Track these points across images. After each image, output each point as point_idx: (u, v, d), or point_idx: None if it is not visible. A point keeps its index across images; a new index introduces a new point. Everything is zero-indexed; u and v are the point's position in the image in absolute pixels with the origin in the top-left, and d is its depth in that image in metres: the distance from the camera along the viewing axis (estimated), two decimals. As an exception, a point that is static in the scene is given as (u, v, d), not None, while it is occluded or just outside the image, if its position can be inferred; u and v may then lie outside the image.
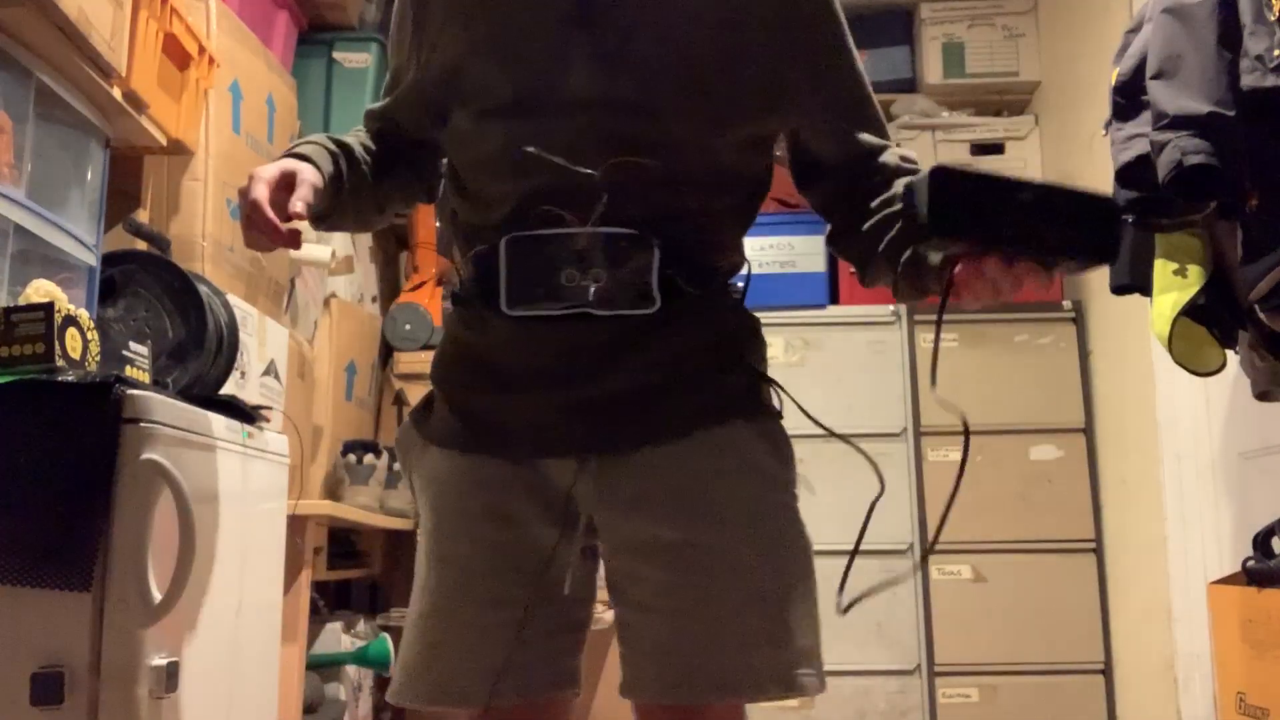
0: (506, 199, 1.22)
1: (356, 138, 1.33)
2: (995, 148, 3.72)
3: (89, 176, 1.85)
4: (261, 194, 1.12)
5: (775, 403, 1.37)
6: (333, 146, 1.26)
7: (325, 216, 1.27)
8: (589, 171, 1.15)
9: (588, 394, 1.20)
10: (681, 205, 1.21)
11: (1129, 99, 1.86)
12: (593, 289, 1.17)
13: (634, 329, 1.19)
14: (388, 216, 1.41)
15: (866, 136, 1.27)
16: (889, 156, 1.26)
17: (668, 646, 1.19)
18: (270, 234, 1.12)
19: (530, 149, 1.16)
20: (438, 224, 3.55)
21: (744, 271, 1.34)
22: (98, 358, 1.51)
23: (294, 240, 1.14)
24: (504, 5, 1.23)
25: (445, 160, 1.35)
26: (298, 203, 1.13)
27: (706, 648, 1.18)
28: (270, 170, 1.15)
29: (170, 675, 1.44)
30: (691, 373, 1.24)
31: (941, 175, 1.00)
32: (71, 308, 1.49)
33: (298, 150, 1.22)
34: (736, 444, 1.30)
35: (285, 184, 1.15)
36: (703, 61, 1.20)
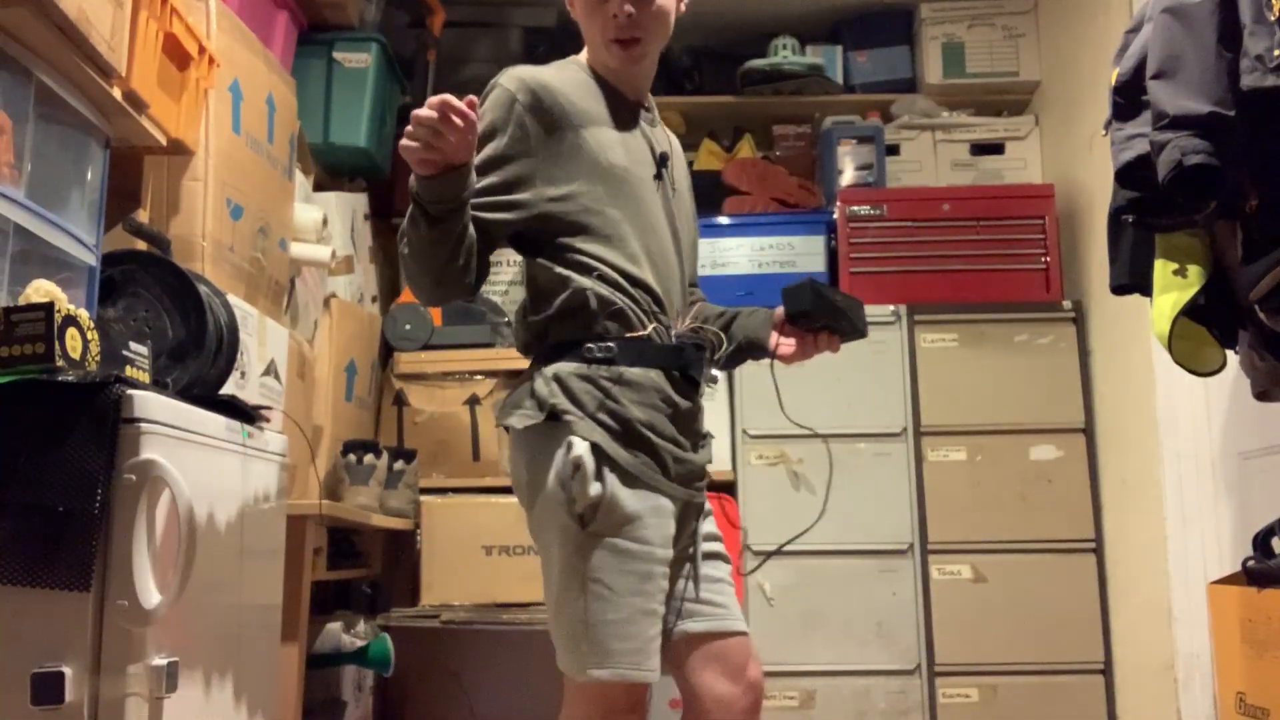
0: None
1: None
2: (995, 148, 3.72)
3: (89, 176, 1.85)
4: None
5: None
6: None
7: (457, 205, 1.51)
8: None
9: None
10: None
11: (1129, 99, 1.86)
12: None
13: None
14: (452, 271, 1.56)
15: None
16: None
17: None
18: (460, 114, 1.46)
19: None
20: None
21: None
22: (98, 358, 1.51)
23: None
24: (626, 168, 1.75)
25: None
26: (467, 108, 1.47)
27: None
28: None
29: (170, 675, 1.44)
30: None
31: (808, 285, 1.75)
32: (71, 308, 1.49)
33: None
34: None
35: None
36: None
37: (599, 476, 1.54)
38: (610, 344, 1.60)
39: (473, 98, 1.50)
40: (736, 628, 1.70)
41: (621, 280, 1.62)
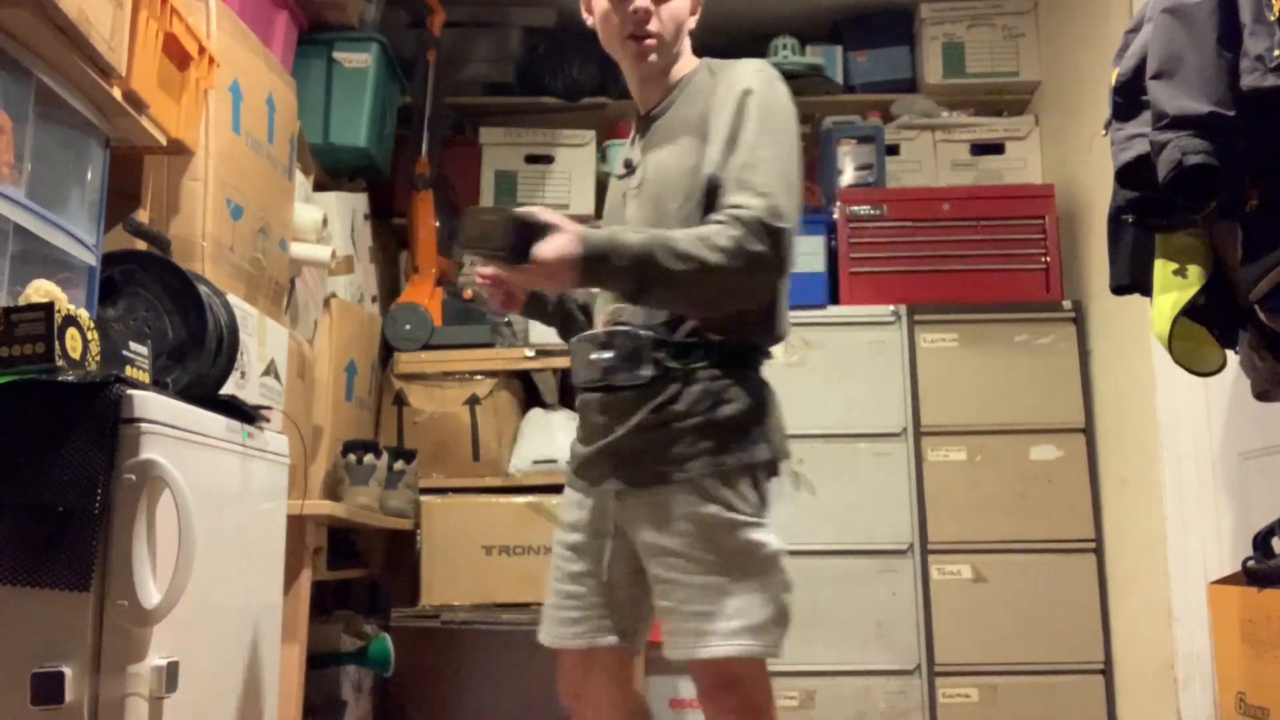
0: None
1: None
2: (995, 148, 3.72)
3: (89, 176, 1.85)
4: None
5: None
6: None
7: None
8: None
9: None
10: None
11: (1129, 99, 1.86)
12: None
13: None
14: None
15: None
16: None
17: None
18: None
19: None
20: (437, 224, 3.56)
21: None
22: (98, 358, 1.51)
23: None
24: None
25: None
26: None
27: None
28: None
29: (170, 675, 1.44)
30: None
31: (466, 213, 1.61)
32: (71, 308, 1.49)
33: None
34: None
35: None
36: None
37: None
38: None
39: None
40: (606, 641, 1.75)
41: None
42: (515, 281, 1.74)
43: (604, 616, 1.73)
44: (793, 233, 1.62)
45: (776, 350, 1.78)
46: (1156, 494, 2.83)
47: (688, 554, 1.62)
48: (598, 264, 1.55)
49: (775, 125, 1.67)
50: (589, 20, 1.85)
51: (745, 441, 1.65)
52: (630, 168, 1.84)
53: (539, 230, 1.54)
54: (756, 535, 1.65)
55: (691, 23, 1.84)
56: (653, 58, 1.78)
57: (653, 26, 1.76)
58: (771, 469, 1.70)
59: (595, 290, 1.83)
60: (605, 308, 1.77)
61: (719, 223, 1.59)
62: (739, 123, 1.66)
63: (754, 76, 1.71)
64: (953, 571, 3.19)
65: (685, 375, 1.66)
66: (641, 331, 1.67)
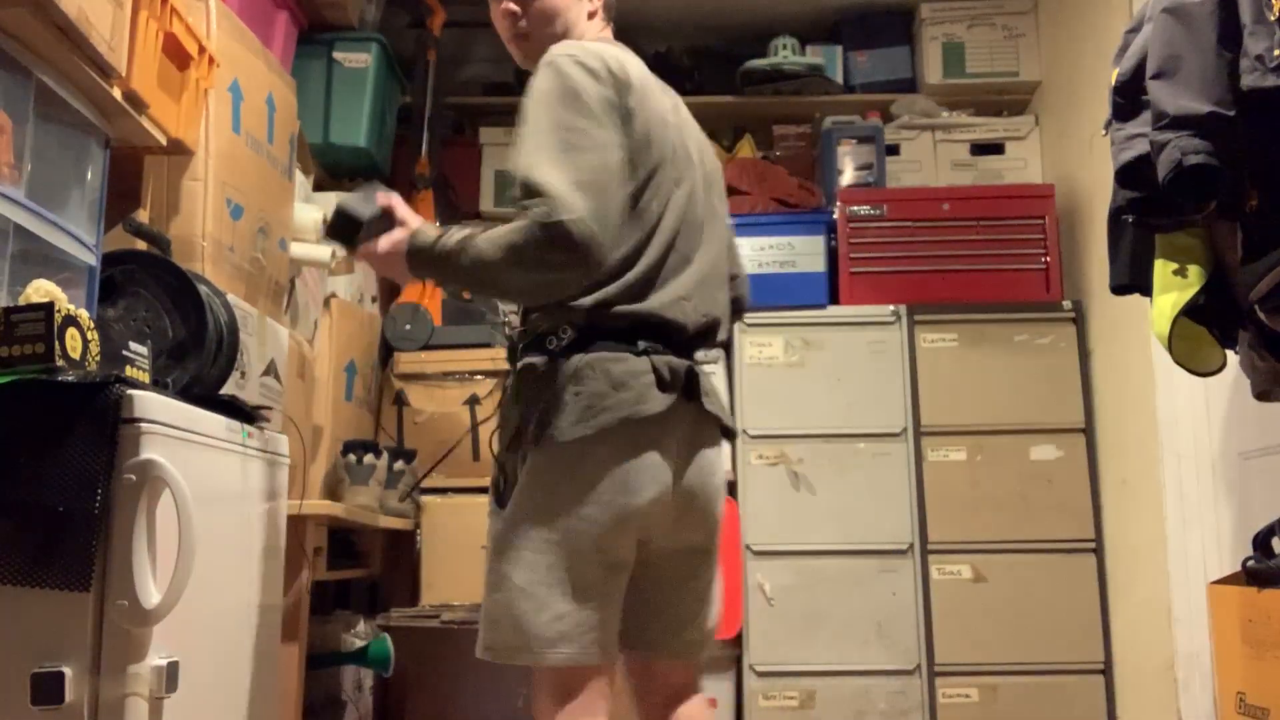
0: None
1: None
2: (995, 148, 3.72)
3: (89, 176, 1.85)
4: None
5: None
6: None
7: None
8: None
9: None
10: None
11: (1129, 99, 1.86)
12: None
13: None
14: None
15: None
16: None
17: None
18: None
19: None
20: (437, 223, 3.55)
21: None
22: (98, 358, 1.51)
23: None
24: None
25: None
26: None
27: None
28: None
29: (170, 675, 1.44)
30: None
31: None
32: (71, 308, 1.49)
33: None
34: None
35: None
36: None
37: None
38: None
39: None
40: None
41: None
42: (373, 266, 1.76)
43: None
44: (584, 222, 1.51)
45: (683, 325, 1.68)
46: (1156, 494, 2.83)
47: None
48: (419, 261, 1.64)
49: (542, 114, 1.59)
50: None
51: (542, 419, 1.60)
52: None
53: (376, 222, 1.68)
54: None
55: (586, 5, 1.81)
56: (534, 55, 1.74)
57: (522, 25, 1.80)
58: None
59: None
60: None
61: (515, 221, 1.55)
62: (522, 115, 1.62)
63: (549, 57, 1.65)
64: (953, 571, 3.19)
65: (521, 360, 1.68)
66: (514, 327, 1.76)
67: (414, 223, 1.68)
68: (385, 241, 1.67)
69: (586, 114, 1.59)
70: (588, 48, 1.66)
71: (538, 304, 1.67)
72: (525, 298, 1.69)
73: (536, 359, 1.64)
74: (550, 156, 1.55)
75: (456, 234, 1.61)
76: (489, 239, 1.55)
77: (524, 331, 1.70)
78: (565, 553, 1.57)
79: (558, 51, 1.65)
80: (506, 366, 3.27)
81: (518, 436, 1.64)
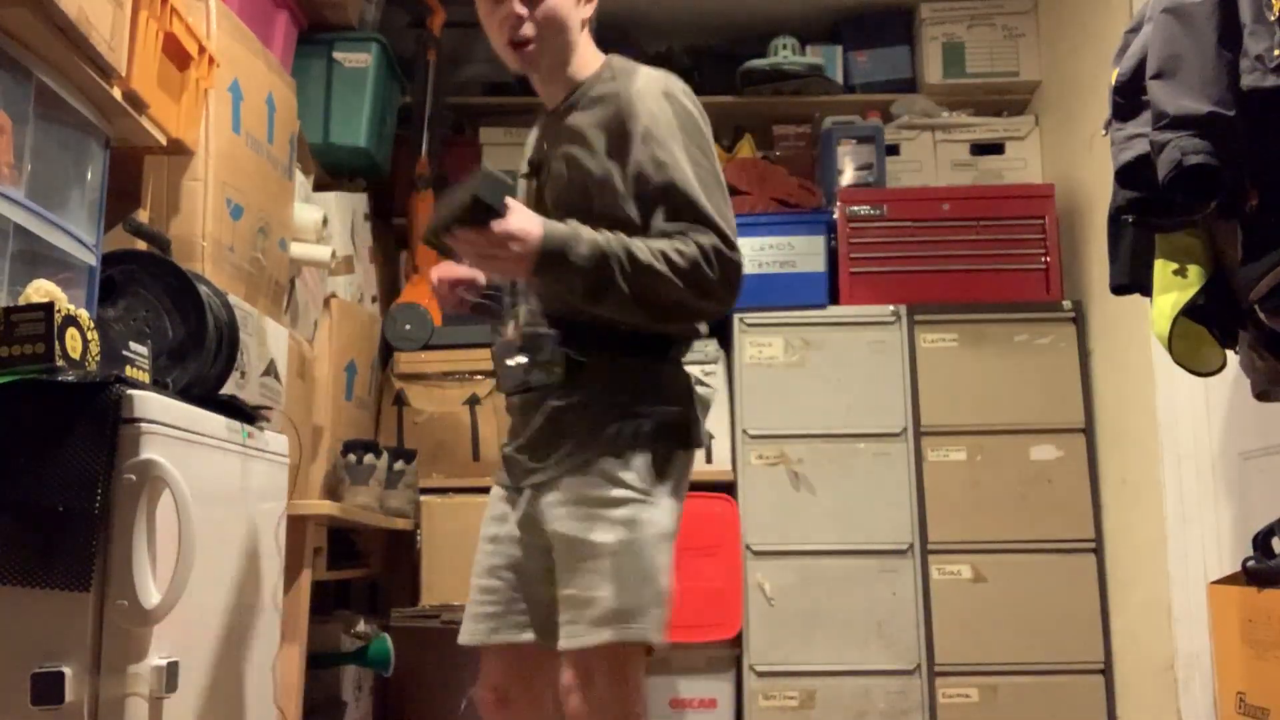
0: None
1: None
2: (995, 148, 3.72)
3: (89, 176, 1.85)
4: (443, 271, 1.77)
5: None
6: None
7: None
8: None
9: None
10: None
11: (1129, 99, 1.86)
12: None
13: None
14: None
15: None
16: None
17: None
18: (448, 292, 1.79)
19: None
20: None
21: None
22: (98, 358, 1.51)
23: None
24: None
25: None
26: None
27: None
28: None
29: (170, 675, 1.44)
30: None
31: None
32: (71, 308, 1.49)
33: None
34: None
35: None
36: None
37: None
38: None
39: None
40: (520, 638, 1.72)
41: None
42: (470, 256, 1.59)
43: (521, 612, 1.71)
44: (741, 266, 1.62)
45: (700, 341, 1.80)
46: (1156, 494, 2.83)
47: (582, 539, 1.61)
48: (555, 255, 1.53)
49: (693, 147, 1.64)
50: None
51: (638, 421, 1.63)
52: (534, 167, 1.80)
53: (502, 195, 1.50)
54: (642, 513, 1.61)
55: (585, 11, 1.76)
56: (536, 61, 1.74)
57: (527, 31, 1.72)
58: (669, 450, 1.66)
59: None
60: (520, 316, 1.73)
61: (671, 237, 1.57)
62: (650, 132, 1.61)
63: (663, 85, 1.68)
64: (953, 571, 3.19)
65: (589, 367, 1.65)
66: (549, 331, 1.66)
67: (530, 219, 1.55)
68: (514, 218, 1.51)
69: (713, 158, 1.67)
70: (686, 87, 1.71)
71: (663, 325, 1.66)
72: (666, 317, 1.64)
73: (639, 358, 1.69)
74: (707, 190, 1.60)
75: (592, 231, 1.55)
76: (661, 259, 1.54)
77: (597, 333, 1.66)
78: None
79: (668, 83, 1.69)
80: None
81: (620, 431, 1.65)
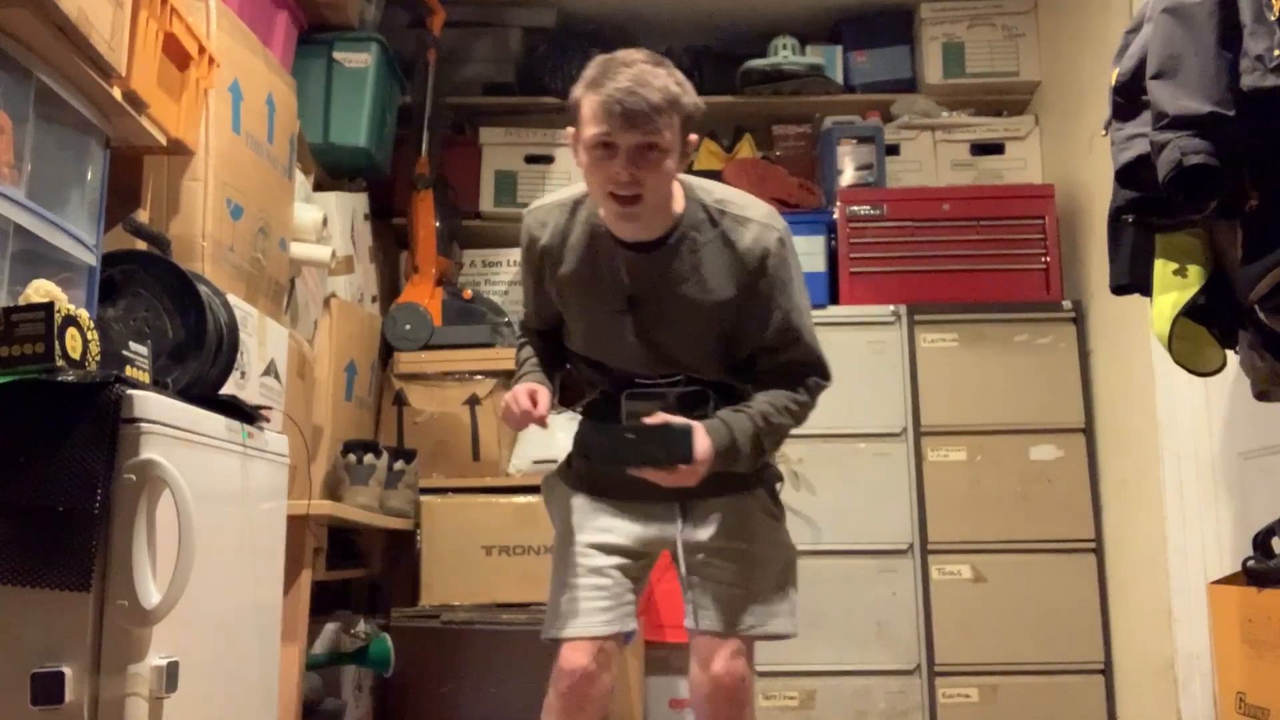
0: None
1: (535, 352, 2.03)
2: (995, 148, 3.72)
3: (89, 176, 1.85)
4: (524, 402, 1.85)
5: None
6: (543, 375, 1.98)
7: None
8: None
9: None
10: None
11: (1129, 99, 1.86)
12: None
13: None
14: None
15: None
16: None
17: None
18: (524, 421, 1.86)
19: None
20: (438, 223, 3.56)
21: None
22: (98, 358, 1.51)
23: (542, 422, 1.88)
24: (584, 299, 1.92)
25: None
26: (543, 410, 1.87)
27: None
28: (522, 388, 1.88)
29: (170, 675, 1.44)
30: None
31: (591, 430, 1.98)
32: (71, 308, 1.49)
33: (531, 379, 1.95)
34: None
35: (531, 395, 1.86)
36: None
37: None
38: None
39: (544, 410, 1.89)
40: (704, 626, 1.92)
41: (584, 366, 2.00)
42: (663, 481, 1.82)
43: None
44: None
45: None
46: (1156, 494, 2.83)
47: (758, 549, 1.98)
48: (725, 455, 1.80)
49: (802, 288, 1.90)
50: (576, 161, 1.83)
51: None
52: (625, 293, 1.86)
53: (685, 435, 1.77)
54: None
55: (686, 162, 1.83)
56: (636, 215, 1.78)
57: (636, 190, 1.75)
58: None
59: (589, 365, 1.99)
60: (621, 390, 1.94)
61: (790, 389, 1.88)
62: (785, 282, 1.85)
63: (777, 233, 1.85)
64: (953, 571, 3.19)
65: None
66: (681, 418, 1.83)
67: (695, 424, 1.79)
68: (702, 450, 1.77)
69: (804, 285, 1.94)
70: (783, 222, 1.91)
71: None
72: None
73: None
74: (812, 329, 1.92)
75: (748, 424, 1.82)
76: (786, 413, 1.87)
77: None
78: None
79: (777, 224, 1.88)
80: (506, 366, 3.32)
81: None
